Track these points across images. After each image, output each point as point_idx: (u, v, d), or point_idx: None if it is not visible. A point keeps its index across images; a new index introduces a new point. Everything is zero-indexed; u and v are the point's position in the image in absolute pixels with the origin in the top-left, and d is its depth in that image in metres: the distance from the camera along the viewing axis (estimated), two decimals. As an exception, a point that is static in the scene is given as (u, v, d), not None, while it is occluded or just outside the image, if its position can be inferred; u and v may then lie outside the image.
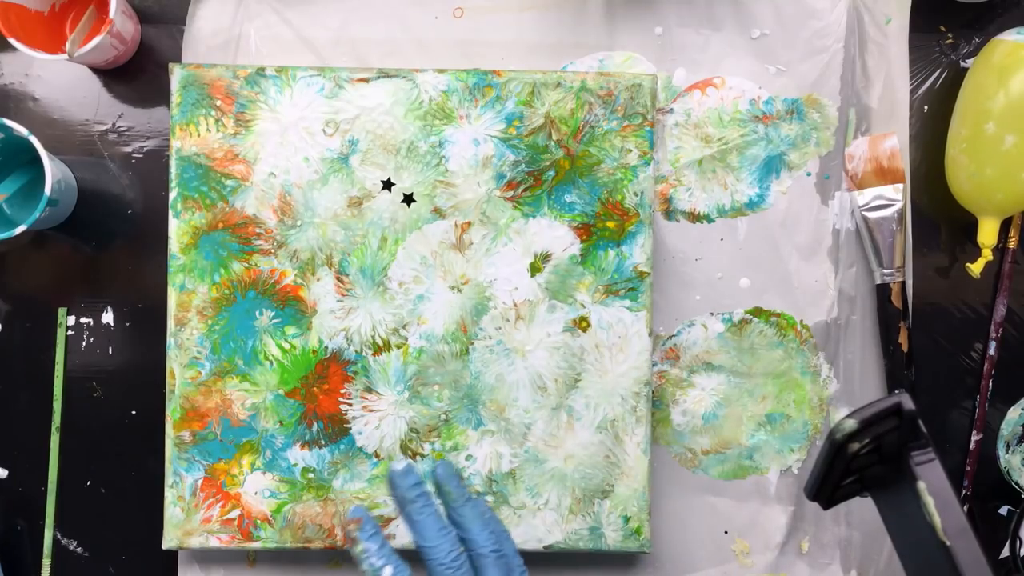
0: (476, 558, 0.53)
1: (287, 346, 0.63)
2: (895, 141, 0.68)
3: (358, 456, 0.63)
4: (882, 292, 0.68)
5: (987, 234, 0.66)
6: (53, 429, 0.68)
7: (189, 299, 0.63)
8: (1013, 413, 0.69)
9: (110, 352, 0.69)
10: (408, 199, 0.63)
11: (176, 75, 0.63)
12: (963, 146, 0.66)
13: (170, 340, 0.63)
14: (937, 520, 0.47)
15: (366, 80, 0.63)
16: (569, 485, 0.63)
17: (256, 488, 0.63)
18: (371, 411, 0.63)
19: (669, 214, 0.68)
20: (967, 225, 0.68)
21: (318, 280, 0.63)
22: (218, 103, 0.63)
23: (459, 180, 0.63)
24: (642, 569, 0.67)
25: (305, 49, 0.68)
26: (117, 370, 0.69)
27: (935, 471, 0.48)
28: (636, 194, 0.64)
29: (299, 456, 0.63)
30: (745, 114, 0.68)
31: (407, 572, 0.52)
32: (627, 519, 0.63)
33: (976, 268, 0.66)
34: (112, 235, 0.69)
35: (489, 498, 0.63)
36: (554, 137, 0.63)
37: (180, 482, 0.63)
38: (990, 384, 0.69)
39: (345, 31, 0.69)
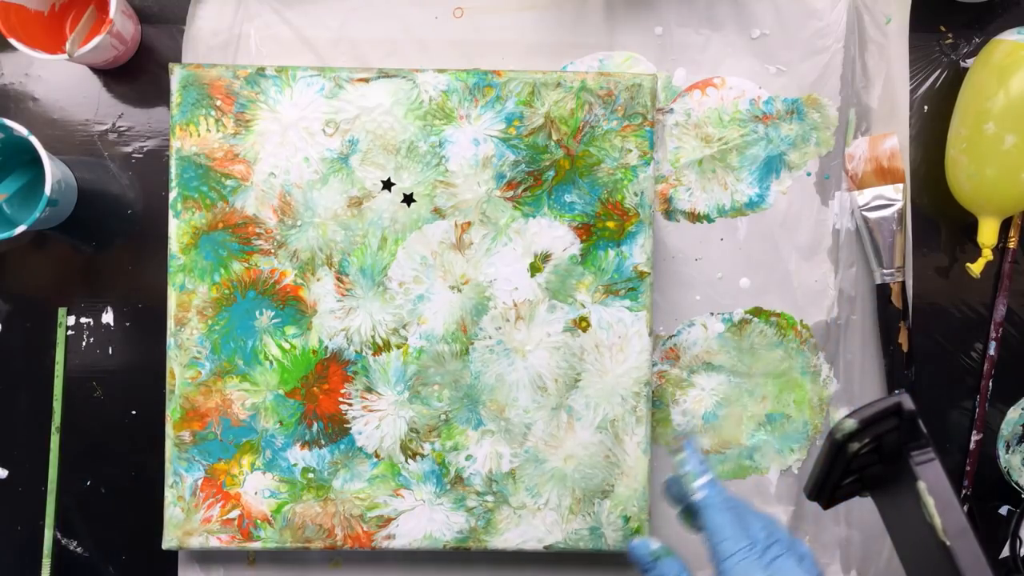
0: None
1: (287, 346, 0.63)
2: (895, 141, 0.68)
3: (358, 456, 0.63)
4: (882, 292, 0.68)
5: (987, 234, 0.66)
6: (53, 429, 0.68)
7: (189, 299, 0.63)
8: (1013, 413, 0.69)
9: (110, 352, 0.69)
10: (408, 199, 0.63)
11: (176, 75, 0.63)
12: (963, 146, 0.66)
13: (170, 340, 0.63)
14: (937, 520, 0.47)
15: (366, 80, 0.63)
16: (569, 485, 0.63)
17: (256, 488, 0.63)
18: (371, 411, 0.63)
19: (669, 214, 0.68)
20: (967, 225, 0.68)
21: (318, 280, 0.63)
22: (218, 103, 0.63)
23: (459, 180, 0.63)
24: (642, 569, 0.67)
25: (305, 49, 0.68)
26: (117, 370, 0.68)
27: (935, 471, 0.48)
28: (636, 194, 0.64)
29: (299, 456, 0.63)
30: (745, 114, 0.68)
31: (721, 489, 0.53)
32: (627, 519, 0.63)
33: (976, 268, 0.66)
34: (112, 235, 0.69)
35: (489, 498, 0.63)
36: (554, 137, 0.63)
37: (180, 482, 0.63)
38: (990, 384, 0.69)
39: (345, 31, 0.69)
